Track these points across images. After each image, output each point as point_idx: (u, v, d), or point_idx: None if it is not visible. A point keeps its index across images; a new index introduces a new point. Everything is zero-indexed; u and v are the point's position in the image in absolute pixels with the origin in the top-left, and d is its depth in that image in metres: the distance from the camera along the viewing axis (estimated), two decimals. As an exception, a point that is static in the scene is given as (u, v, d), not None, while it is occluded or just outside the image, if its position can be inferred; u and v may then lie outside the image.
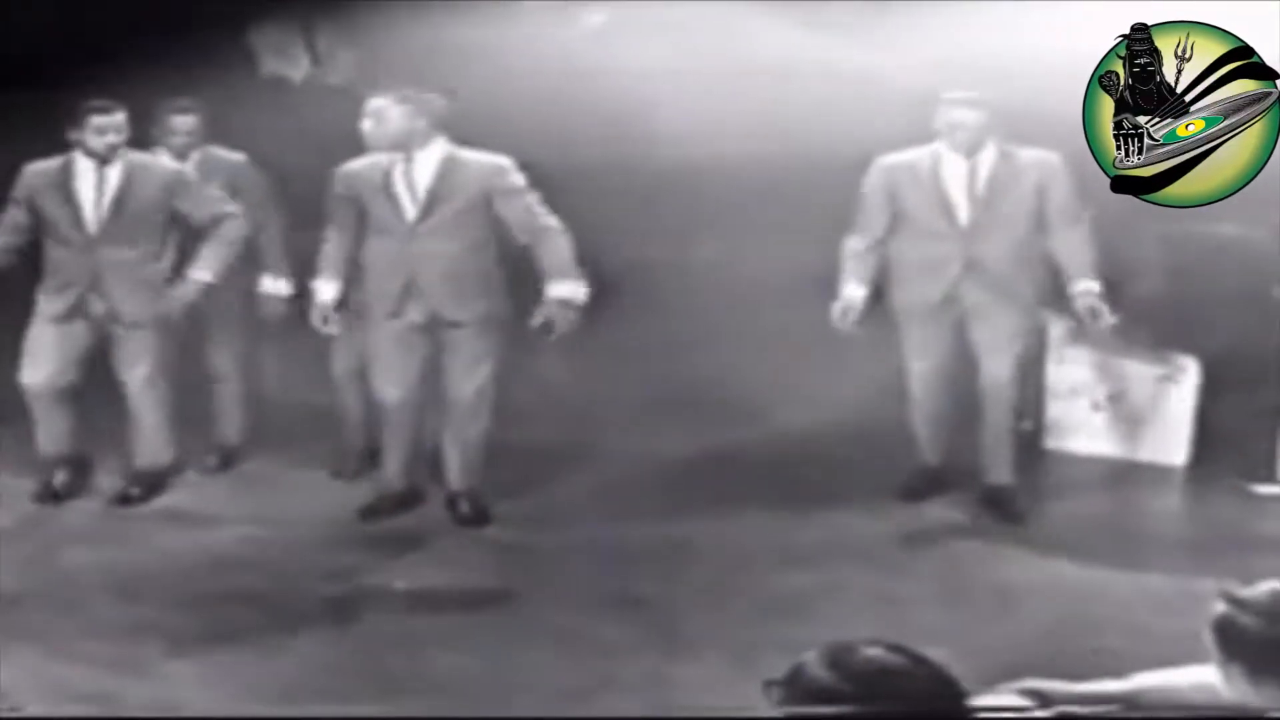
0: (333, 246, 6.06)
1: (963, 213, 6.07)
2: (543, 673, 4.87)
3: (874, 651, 2.41)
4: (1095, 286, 5.97)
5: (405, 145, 5.89)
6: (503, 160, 5.93)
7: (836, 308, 6.08)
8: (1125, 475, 6.73)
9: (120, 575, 5.60)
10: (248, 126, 6.62)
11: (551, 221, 5.88)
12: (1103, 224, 6.00)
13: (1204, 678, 2.86)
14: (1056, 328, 6.78)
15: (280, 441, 6.74)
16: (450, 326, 5.99)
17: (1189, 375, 6.78)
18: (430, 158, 5.91)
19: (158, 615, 5.28)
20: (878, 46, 6.57)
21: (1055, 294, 6.23)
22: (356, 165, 6.01)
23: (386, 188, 5.93)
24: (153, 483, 6.33)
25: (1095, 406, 6.93)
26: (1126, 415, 6.87)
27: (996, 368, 6.16)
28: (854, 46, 6.66)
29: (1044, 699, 2.97)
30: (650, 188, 7.15)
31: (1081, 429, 6.94)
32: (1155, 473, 6.73)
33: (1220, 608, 2.79)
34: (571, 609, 5.34)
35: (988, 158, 6.04)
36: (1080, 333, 6.63)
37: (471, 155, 5.95)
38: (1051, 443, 6.96)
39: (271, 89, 7.60)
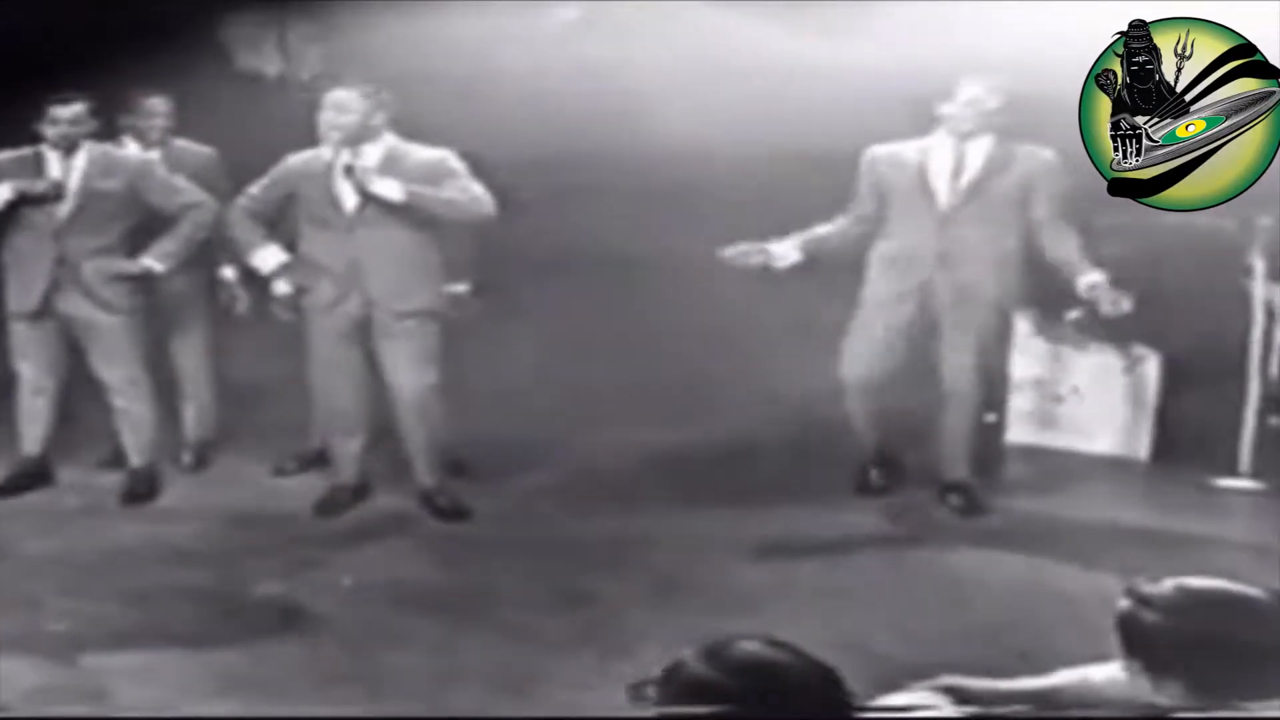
0: (250, 227, 6.04)
1: (943, 197, 6.02)
2: (486, 668, 4.84)
3: (753, 646, 2.39)
4: (1100, 277, 5.88)
5: (358, 139, 5.88)
6: (443, 151, 5.95)
7: (746, 246, 6.00)
8: (1087, 469, 6.73)
9: (71, 569, 5.55)
10: (220, 121, 6.60)
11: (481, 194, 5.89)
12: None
13: (1119, 673, 2.83)
14: (1022, 320, 6.74)
15: (252, 436, 6.71)
16: (392, 319, 5.96)
17: (1151, 368, 6.78)
18: (375, 151, 5.92)
19: (103, 609, 5.23)
20: (868, 44, 6.54)
21: (1027, 291, 6.19)
22: (302, 158, 6.01)
23: (327, 180, 5.93)
24: (154, 478, 6.32)
25: (1057, 399, 6.91)
26: (1089, 408, 6.86)
27: (961, 369, 6.11)
28: (838, 44, 6.61)
29: (960, 696, 2.96)
30: (621, 183, 7.11)
31: (1043, 422, 6.93)
32: (1117, 466, 6.74)
33: (1123, 603, 2.76)
34: (518, 604, 5.30)
35: (981, 146, 5.98)
36: (1043, 325, 6.62)
37: (413, 147, 5.97)
38: (1013, 435, 6.95)
39: (244, 84, 7.58)
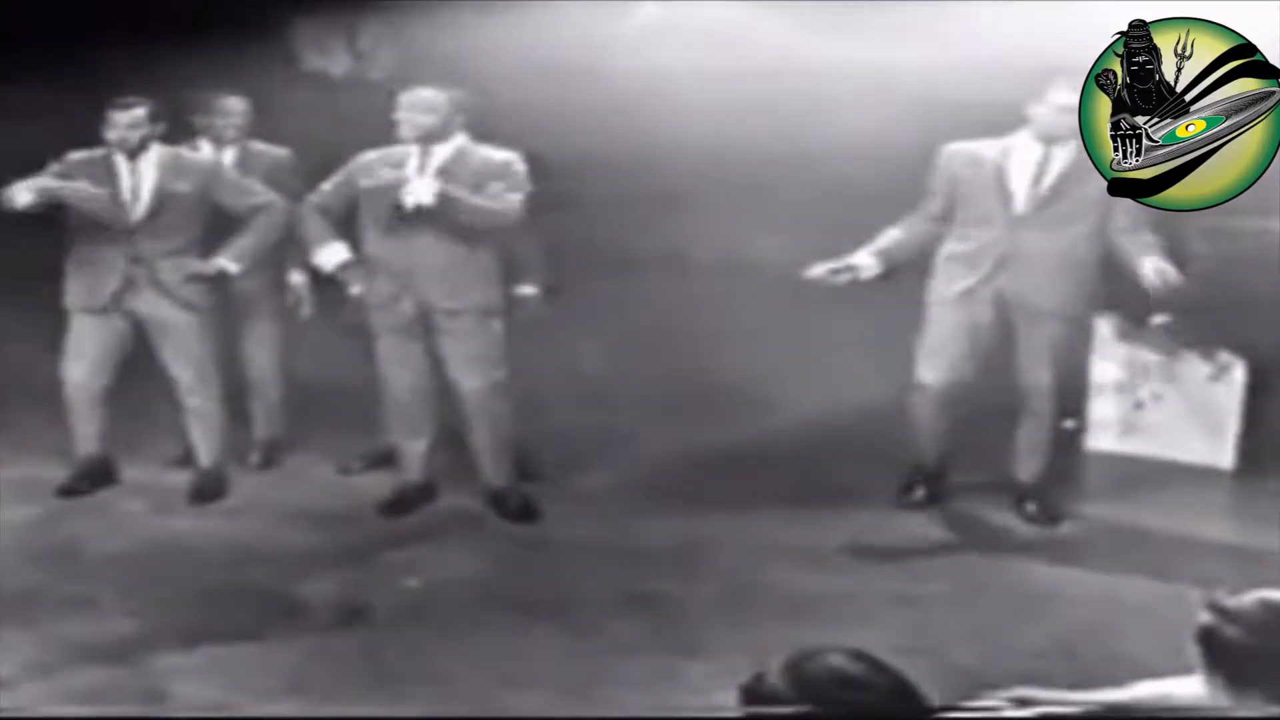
0: (318, 224, 6.02)
1: (1020, 199, 5.90)
2: (551, 670, 4.82)
3: (834, 659, 2.39)
4: (1158, 257, 5.74)
5: (432, 137, 5.88)
6: (510, 154, 5.93)
7: (833, 263, 5.90)
8: (1169, 477, 6.60)
9: (136, 568, 5.58)
10: (288, 121, 6.62)
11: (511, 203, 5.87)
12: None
13: (1200, 688, 2.82)
14: (1103, 325, 6.62)
15: (319, 434, 6.72)
16: (445, 317, 5.95)
17: (1236, 375, 6.64)
18: (444, 150, 5.91)
19: (167, 608, 5.25)
20: (895, 48, 6.47)
21: (1106, 296, 6.07)
22: (374, 156, 5.99)
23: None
24: (222, 477, 6.34)
25: (1139, 406, 6.78)
26: (1172, 415, 6.73)
27: (1036, 373, 6.00)
28: (882, 49, 6.55)
29: (1035, 708, 2.91)
30: (680, 185, 7.13)
31: (1125, 428, 6.81)
32: (1200, 475, 6.60)
33: (1205, 617, 2.75)
34: (584, 606, 5.28)
35: (1070, 151, 5.77)
36: (1127, 331, 6.51)
37: (481, 148, 5.95)
38: (1094, 442, 6.84)
39: (312, 84, 7.63)
